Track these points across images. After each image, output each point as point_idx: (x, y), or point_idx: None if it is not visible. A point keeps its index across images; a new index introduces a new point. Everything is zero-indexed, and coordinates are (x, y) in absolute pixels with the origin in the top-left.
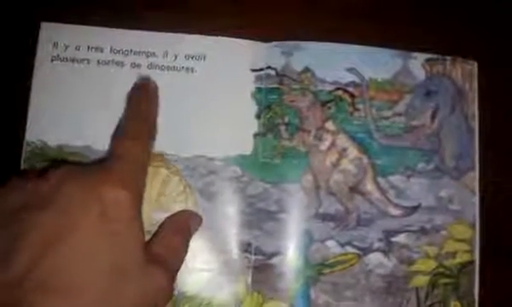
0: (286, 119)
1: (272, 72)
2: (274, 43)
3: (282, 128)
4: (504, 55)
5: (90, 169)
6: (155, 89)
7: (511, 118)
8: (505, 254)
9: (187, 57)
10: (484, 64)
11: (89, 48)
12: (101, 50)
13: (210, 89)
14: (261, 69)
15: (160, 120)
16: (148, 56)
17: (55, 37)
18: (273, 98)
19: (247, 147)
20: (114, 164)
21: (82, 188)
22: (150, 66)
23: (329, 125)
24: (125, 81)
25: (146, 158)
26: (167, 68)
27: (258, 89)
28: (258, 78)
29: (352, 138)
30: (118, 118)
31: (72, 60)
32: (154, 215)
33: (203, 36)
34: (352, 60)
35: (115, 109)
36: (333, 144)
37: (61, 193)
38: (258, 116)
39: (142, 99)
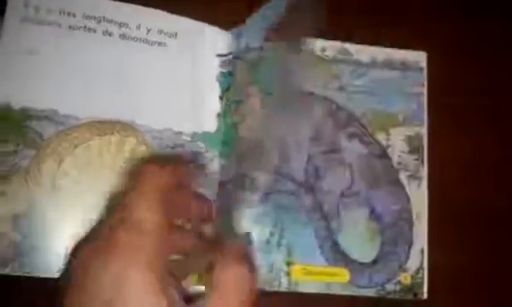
0: None
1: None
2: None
3: None
4: (452, 46)
5: None
6: None
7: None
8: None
9: (159, 32)
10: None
11: (60, 11)
12: (74, 15)
13: (179, 66)
14: (225, 55)
15: (132, 91)
16: (120, 26)
17: None
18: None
19: (211, 126)
20: None
21: None
22: (123, 36)
23: None
24: (96, 47)
25: None
26: (140, 40)
27: (222, 73)
28: (222, 63)
29: None
30: (86, 83)
31: (43, 23)
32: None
33: (175, 15)
34: None
35: (84, 74)
36: None
37: None
38: (221, 97)
39: None
